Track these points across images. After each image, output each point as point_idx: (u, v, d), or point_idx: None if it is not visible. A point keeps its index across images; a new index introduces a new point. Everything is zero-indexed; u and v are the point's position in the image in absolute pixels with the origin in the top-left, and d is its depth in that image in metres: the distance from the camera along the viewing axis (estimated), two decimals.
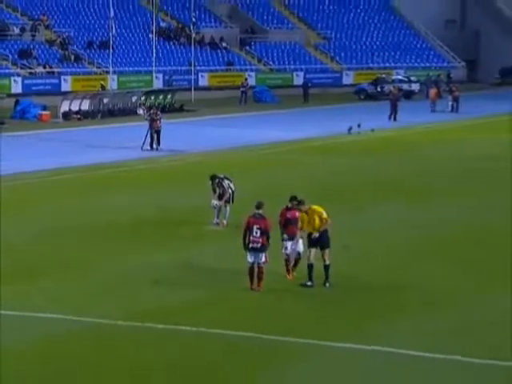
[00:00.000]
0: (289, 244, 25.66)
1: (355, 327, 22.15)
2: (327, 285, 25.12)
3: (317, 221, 25.32)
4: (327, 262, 25.12)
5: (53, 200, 39.01)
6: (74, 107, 71.07)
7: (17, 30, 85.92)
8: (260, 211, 25.30)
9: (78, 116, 70.04)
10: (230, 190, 32.58)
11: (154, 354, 20.49)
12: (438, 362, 19.79)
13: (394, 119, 68.77)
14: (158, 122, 54.02)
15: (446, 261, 28.37)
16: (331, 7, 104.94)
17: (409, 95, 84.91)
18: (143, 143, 53.24)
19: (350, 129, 59.89)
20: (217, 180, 32.88)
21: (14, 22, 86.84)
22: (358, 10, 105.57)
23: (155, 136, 53.48)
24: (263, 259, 24.79)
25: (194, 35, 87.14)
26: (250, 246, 24.83)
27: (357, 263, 27.30)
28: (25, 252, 29.56)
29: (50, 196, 40.16)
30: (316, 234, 25.28)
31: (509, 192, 39.48)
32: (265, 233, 24.83)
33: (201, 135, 58.96)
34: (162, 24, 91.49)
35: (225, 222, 32.51)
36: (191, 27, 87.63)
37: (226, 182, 32.87)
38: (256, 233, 24.79)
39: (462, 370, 19.43)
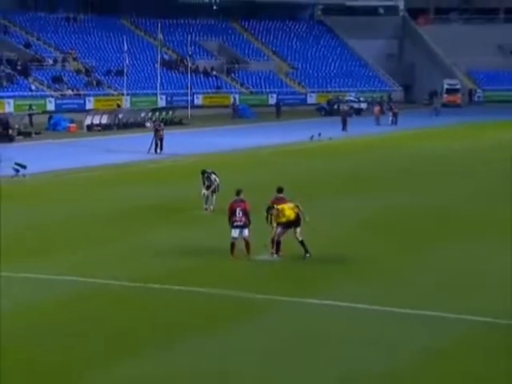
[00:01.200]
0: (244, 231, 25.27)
1: (312, 286, 22.20)
2: (307, 255, 24.85)
3: (288, 212, 25.08)
4: (300, 239, 24.93)
5: (77, 191, 39.07)
6: (96, 121, 71.24)
7: (51, 61, 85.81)
8: (240, 196, 25.47)
9: (99, 128, 70.05)
10: (215, 182, 32.67)
11: (154, 307, 20.58)
12: (378, 313, 19.94)
13: (345, 130, 68.64)
14: (161, 131, 54.46)
15: (386, 236, 28.51)
16: (298, 43, 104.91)
17: (358, 112, 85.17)
18: (149, 148, 53.34)
19: (312, 137, 59.92)
20: (205, 174, 33.05)
21: (48, 55, 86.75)
22: (319, 46, 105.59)
23: (159, 143, 53.72)
24: (246, 233, 24.97)
25: (190, 65, 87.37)
26: (235, 224, 24.97)
27: (318, 239, 27.14)
28: (50, 230, 29.77)
29: (75, 188, 40.21)
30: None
31: (436, 183, 40.29)
32: (246, 213, 24.99)
33: (195, 142, 58.88)
34: (165, 56, 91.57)
35: (211, 207, 32.48)
36: (188, 59, 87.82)
37: (213, 175, 32.96)
38: (239, 213, 24.96)
39: (396, 319, 19.54)
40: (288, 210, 25.15)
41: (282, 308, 20.56)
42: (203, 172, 33.43)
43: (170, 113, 76.14)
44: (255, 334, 18.59)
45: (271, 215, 25.30)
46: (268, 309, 20.47)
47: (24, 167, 41.86)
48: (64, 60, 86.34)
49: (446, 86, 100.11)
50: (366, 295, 21.24)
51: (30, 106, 73.45)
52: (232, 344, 17.93)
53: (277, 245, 25.18)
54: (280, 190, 25.95)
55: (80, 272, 23.51)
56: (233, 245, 25.00)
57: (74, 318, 19.69)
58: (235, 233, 25.01)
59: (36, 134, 65.40)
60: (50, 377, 16.07)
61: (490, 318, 19.35)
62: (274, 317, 19.89)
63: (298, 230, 25.11)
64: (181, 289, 21.94)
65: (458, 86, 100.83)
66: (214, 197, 32.47)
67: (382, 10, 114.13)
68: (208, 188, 32.69)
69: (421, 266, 24.52)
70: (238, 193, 25.77)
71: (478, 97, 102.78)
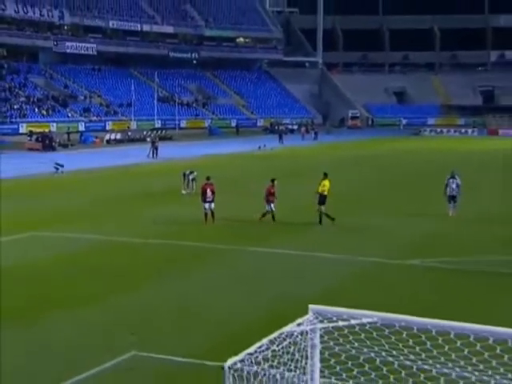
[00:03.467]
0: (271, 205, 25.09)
1: (262, 240, 22.28)
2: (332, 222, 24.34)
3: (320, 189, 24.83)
4: (324, 211, 24.63)
5: (99, 182, 38.97)
6: (112, 137, 71.00)
7: (82, 98, 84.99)
8: (210, 181, 25.47)
9: (115, 142, 69.78)
10: (194, 176, 32.53)
11: (150, 255, 20.57)
12: (310, 257, 19.99)
13: (282, 143, 68.74)
14: (157, 143, 54.87)
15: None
16: (251, 86, 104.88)
17: (291, 131, 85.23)
18: (148, 154, 53.41)
19: (259, 147, 60.01)
20: (185, 174, 33.10)
21: (80, 94, 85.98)
22: (265, 88, 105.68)
23: (155, 151, 53.74)
24: (213, 206, 25.03)
25: (177, 100, 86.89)
26: (207, 200, 24.99)
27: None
28: (81, 207, 29.70)
29: (98, 180, 40.07)
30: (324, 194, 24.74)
31: (345, 175, 40.26)
32: (213, 192, 25.02)
33: (181, 151, 58.44)
34: (160, 94, 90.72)
35: (193, 191, 31.69)
36: (176, 96, 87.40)
37: (191, 175, 32.79)
38: (209, 192, 24.98)
39: (323, 262, 19.47)
40: (322, 187, 24.77)
41: (239, 253, 20.64)
42: (184, 174, 33.30)
43: (164, 132, 75.83)
44: (218, 270, 18.74)
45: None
46: (229, 254, 20.53)
47: (62, 166, 41.75)
48: (91, 97, 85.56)
49: (350, 115, 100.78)
50: (301, 245, 21.36)
51: (68, 127, 72.80)
52: (204, 276, 18.09)
53: (321, 216, 24.69)
54: (208, 178, 25.77)
55: (99, 232, 23.53)
56: (206, 215, 25.06)
57: (94, 261, 19.69)
58: (206, 206, 25.09)
59: (71, 145, 64.93)
60: (78, 298, 16.12)
61: (383, 259, 19.65)
62: (232, 259, 20.01)
63: (323, 206, 24.60)
64: (170, 242, 21.96)
65: (358, 115, 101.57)
66: (195, 185, 32.05)
67: (307, 64, 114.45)
68: (187, 186, 32.43)
69: (339, 226, 24.63)
70: (208, 178, 25.84)
71: (372, 122, 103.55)
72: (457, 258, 19.33)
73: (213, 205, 25.03)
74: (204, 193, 25.20)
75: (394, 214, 27.18)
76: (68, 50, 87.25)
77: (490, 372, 6.08)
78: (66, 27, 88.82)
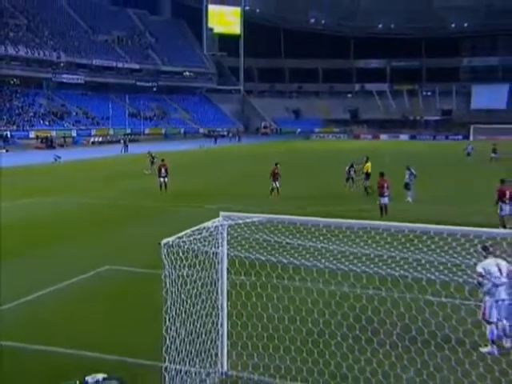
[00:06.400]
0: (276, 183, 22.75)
1: (198, 202, 22.12)
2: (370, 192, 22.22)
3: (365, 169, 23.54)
4: (367, 185, 22.97)
5: (86, 168, 38.06)
6: (96, 140, 69.65)
7: (74, 113, 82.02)
8: (164, 162, 25.20)
9: (98, 143, 68.25)
10: (155, 160, 32.08)
11: (120, 209, 20.27)
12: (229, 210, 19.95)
13: (216, 143, 68.43)
14: (127, 143, 54.00)
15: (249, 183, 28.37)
16: (194, 106, 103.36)
17: (223, 136, 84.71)
18: (121, 150, 52.40)
19: (200, 146, 59.59)
20: (150, 155, 32.57)
21: (73, 110, 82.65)
22: (204, 107, 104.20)
23: (126, 148, 52.78)
24: (166, 180, 24.61)
25: (142, 115, 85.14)
26: (162, 175, 24.69)
27: (216, 181, 26.95)
28: (73, 184, 28.88)
29: (86, 166, 39.08)
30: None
31: (264, 162, 40.18)
32: (166, 170, 24.68)
33: (144, 148, 55.69)
34: (130, 111, 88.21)
35: (151, 171, 31.43)
36: (141, 113, 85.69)
37: (153, 154, 32.36)
38: (163, 171, 24.66)
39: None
40: (367, 168, 23.15)
41: (182, 211, 20.54)
42: (149, 152, 32.85)
43: (132, 136, 74.34)
44: (166, 219, 18.74)
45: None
46: (174, 211, 20.41)
47: (59, 157, 40.61)
48: (81, 113, 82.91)
49: (262, 125, 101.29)
50: (232, 206, 21.33)
51: (64, 133, 70.48)
52: (155, 223, 18.08)
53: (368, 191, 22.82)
54: (163, 160, 25.48)
55: (85, 198, 23.12)
56: (160, 186, 24.71)
57: (80, 215, 19.45)
58: (161, 180, 24.85)
59: (66, 146, 63.15)
60: (68, 236, 15.94)
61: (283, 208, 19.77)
62: (176, 213, 19.90)
63: (368, 181, 23.06)
64: (134, 203, 21.70)
65: (268, 125, 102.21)
66: (154, 166, 31.35)
67: (233, 91, 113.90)
68: (151, 165, 32.00)
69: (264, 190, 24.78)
70: (163, 160, 25.60)
71: (279, 130, 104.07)
72: (329, 208, 19.87)
73: (166, 179, 24.87)
74: (160, 170, 25.04)
75: (307, 186, 26.98)
76: (64, 80, 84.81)
77: (331, 242, 6.57)
78: (62, 64, 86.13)
